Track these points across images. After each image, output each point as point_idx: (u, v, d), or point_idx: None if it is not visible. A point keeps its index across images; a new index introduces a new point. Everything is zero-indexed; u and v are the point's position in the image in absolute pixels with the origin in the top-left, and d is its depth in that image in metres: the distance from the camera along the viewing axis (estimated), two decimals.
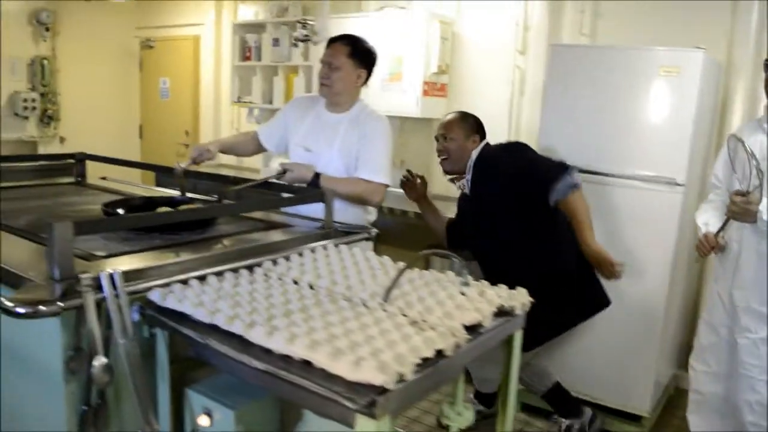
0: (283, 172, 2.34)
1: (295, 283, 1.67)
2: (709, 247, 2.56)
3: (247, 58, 4.98)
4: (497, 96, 4.10)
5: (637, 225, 3.01)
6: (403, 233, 3.76)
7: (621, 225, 3.03)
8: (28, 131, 5.72)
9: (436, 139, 2.77)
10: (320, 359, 1.19)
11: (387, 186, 2.52)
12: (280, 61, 4.73)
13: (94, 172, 3.24)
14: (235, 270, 1.70)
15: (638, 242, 3.01)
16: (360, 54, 2.54)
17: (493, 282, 1.73)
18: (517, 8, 3.98)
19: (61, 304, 1.34)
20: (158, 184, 4.59)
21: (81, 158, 3.17)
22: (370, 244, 2.31)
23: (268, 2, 5.05)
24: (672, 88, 2.86)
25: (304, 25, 2.28)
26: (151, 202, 2.22)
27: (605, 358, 3.12)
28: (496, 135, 4.11)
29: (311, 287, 1.64)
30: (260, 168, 5.00)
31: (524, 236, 2.58)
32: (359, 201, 2.54)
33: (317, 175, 2.37)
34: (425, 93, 4.03)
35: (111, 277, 1.42)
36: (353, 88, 2.58)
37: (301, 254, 1.90)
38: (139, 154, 6.42)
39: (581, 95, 3.07)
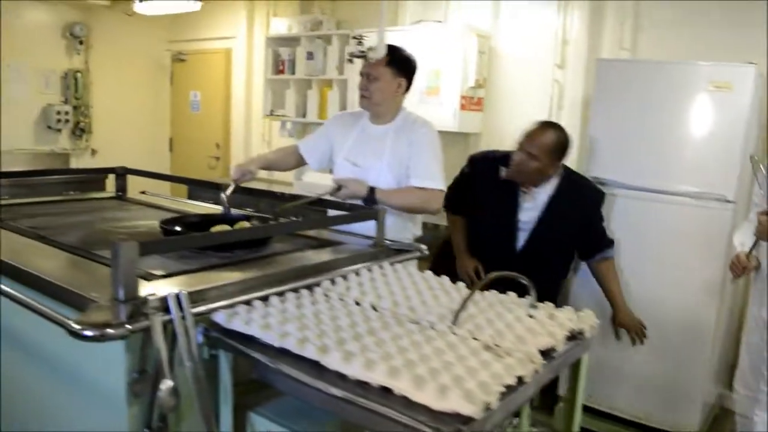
0: (338, 188, 2.29)
1: (357, 304, 1.63)
2: (740, 267, 2.51)
3: (281, 72, 4.98)
4: (534, 110, 4.05)
5: (686, 242, 2.94)
6: (436, 247, 3.71)
7: (669, 242, 2.97)
8: (60, 144, 5.77)
9: (519, 146, 2.63)
10: (403, 387, 1.15)
11: (443, 191, 2.45)
12: (314, 74, 4.73)
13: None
14: (295, 290, 1.67)
15: (687, 260, 2.95)
16: (398, 62, 2.47)
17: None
18: (556, 22, 3.94)
19: (129, 326, 1.31)
20: (190, 197, 4.60)
21: (122, 172, 3.16)
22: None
23: (301, 16, 5.06)
24: (722, 102, 2.80)
25: (360, 41, 2.23)
26: (207, 220, 2.21)
27: (653, 377, 3.05)
28: None
29: (374, 308, 1.61)
30: (292, 181, 4.98)
31: (553, 263, 2.84)
32: (417, 211, 2.49)
33: (372, 190, 2.32)
34: (462, 107, 3.99)
35: (177, 298, 1.39)
36: (394, 97, 2.52)
37: (357, 273, 1.86)
38: (169, 166, 6.45)
39: (628, 110, 3.01)
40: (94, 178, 3.93)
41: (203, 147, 6.17)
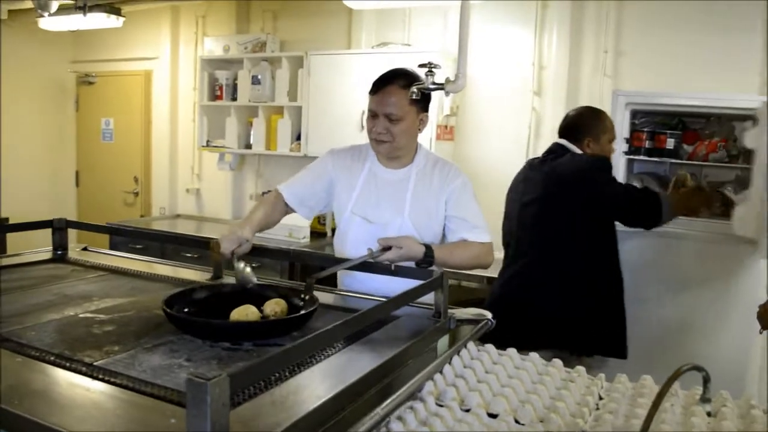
0: (382, 249, 1.86)
1: (491, 416, 1.24)
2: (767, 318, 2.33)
3: (218, 97, 4.45)
4: (509, 138, 3.84)
5: None
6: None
7: None
8: None
9: None
10: None
11: (492, 244, 2.12)
12: (260, 100, 4.24)
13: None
14: (402, 403, 1.26)
15: None
16: (421, 95, 1.96)
17: None
18: (531, 46, 3.76)
19: None
20: (112, 247, 3.93)
21: (60, 226, 2.55)
22: None
23: (238, 35, 4.56)
24: None
25: (431, 69, 1.81)
26: (217, 295, 1.75)
27: None
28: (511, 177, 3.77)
29: (517, 422, 1.23)
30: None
31: None
32: (471, 267, 2.15)
33: (429, 249, 1.93)
34: (437, 136, 3.70)
35: None
36: (416, 136, 2.14)
37: (450, 362, 1.48)
38: (75, 203, 5.65)
39: None
40: None
41: (118, 181, 5.46)
